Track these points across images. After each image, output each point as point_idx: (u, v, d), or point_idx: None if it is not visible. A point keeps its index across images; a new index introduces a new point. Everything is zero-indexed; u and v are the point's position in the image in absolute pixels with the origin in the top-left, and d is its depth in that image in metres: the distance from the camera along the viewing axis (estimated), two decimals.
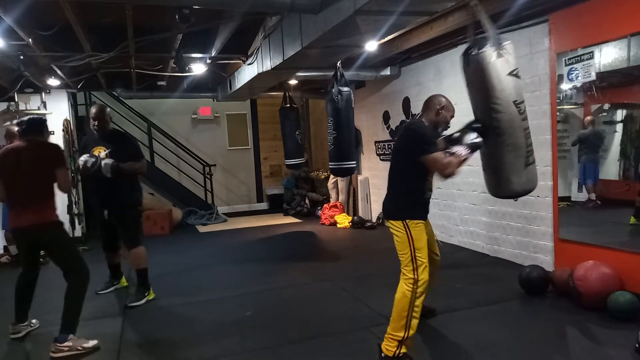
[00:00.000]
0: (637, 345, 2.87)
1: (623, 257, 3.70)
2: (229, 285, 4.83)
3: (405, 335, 2.83)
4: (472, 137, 2.91)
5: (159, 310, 4.16)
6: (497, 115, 2.86)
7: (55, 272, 3.52)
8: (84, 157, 4.08)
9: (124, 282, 4.84)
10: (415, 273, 2.84)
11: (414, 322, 2.85)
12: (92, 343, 3.34)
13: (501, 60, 2.79)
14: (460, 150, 2.87)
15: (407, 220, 2.92)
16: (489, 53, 2.80)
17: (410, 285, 2.84)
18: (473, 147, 2.89)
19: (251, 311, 4.00)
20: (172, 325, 3.79)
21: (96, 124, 4.23)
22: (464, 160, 2.87)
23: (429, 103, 3.11)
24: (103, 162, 4.04)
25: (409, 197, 3.01)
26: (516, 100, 2.85)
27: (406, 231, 2.91)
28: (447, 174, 2.84)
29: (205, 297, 4.46)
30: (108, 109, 4.45)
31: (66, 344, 3.23)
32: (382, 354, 2.90)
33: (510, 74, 2.82)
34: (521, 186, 2.98)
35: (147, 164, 4.59)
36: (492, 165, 3.05)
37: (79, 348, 3.26)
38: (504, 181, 2.98)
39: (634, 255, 3.64)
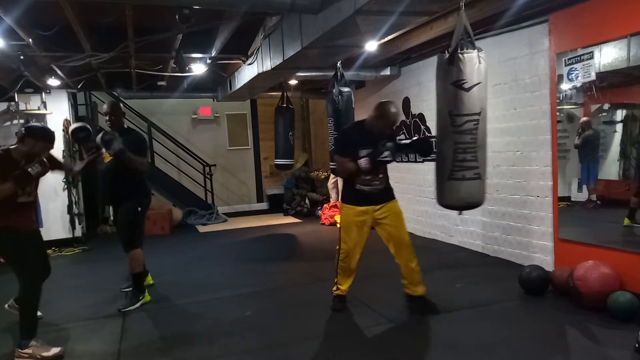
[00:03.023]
0: (636, 345, 2.87)
1: (623, 257, 3.70)
2: (229, 285, 4.83)
3: (336, 280, 3.87)
4: (384, 150, 3.40)
5: (159, 310, 4.16)
6: (437, 120, 2.92)
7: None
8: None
9: (149, 279, 4.71)
10: (339, 243, 3.81)
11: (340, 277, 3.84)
12: (54, 351, 3.22)
13: (450, 68, 2.69)
14: (362, 162, 3.41)
15: (342, 204, 3.73)
16: (442, 58, 2.75)
17: (338, 249, 3.83)
18: (372, 157, 3.41)
19: (251, 311, 4.00)
20: (172, 325, 3.80)
21: (107, 118, 4.25)
22: (362, 169, 3.44)
23: (375, 107, 3.54)
24: (115, 141, 3.92)
25: (346, 185, 3.74)
26: (452, 111, 2.73)
27: (340, 211, 3.68)
28: (339, 176, 3.67)
29: (205, 297, 4.46)
30: (120, 105, 4.47)
31: (27, 350, 3.15)
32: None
33: (454, 83, 2.69)
34: (439, 199, 3.05)
35: (148, 164, 4.57)
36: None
37: (38, 357, 3.16)
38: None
39: (634, 255, 3.64)
